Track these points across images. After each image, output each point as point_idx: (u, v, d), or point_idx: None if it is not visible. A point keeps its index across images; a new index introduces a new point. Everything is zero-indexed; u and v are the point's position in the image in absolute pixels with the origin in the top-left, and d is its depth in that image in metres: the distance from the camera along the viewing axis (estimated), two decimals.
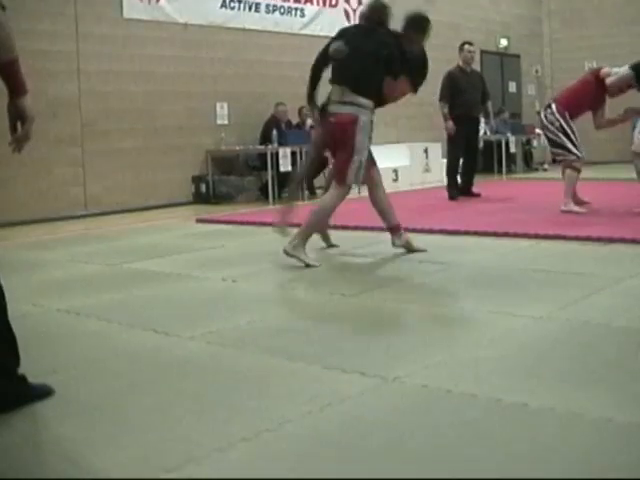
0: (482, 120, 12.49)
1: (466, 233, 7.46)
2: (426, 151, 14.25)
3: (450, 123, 11.12)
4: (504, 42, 18.99)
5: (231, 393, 3.28)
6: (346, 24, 14.89)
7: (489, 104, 12.04)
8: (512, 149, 15.93)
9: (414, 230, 7.66)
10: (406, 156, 13.83)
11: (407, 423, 2.88)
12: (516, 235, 7.24)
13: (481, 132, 15.99)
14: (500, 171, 15.86)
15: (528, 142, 17.47)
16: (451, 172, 11.32)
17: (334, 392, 3.20)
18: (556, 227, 7.53)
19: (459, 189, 11.18)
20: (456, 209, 9.89)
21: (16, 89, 3.15)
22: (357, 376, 3.40)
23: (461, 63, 11.58)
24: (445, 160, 13.92)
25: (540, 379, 3.31)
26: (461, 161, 11.44)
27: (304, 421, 2.91)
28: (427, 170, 14.15)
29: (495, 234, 7.37)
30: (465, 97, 11.22)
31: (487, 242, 7.07)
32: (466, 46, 11.61)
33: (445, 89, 11.31)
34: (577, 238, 6.86)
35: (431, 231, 7.73)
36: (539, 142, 17.43)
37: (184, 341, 4.11)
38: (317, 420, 2.92)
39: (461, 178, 11.39)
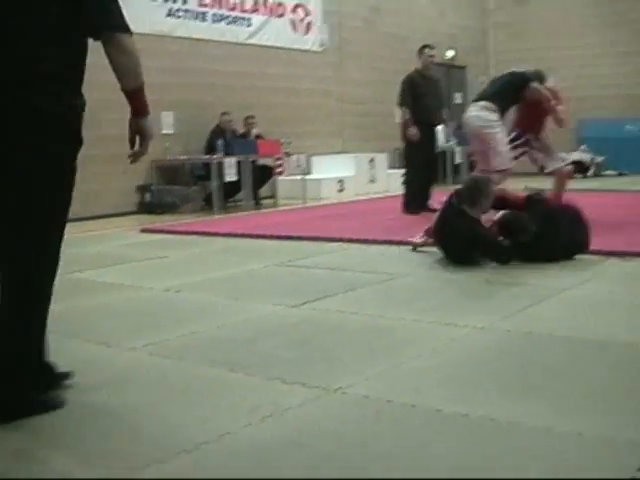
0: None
1: (399, 243, 7.48)
2: (372, 161, 14.29)
3: (414, 129, 10.42)
4: (450, 53, 19.13)
5: (171, 405, 3.26)
6: (293, 35, 14.99)
7: (444, 111, 11.51)
8: (457, 160, 15.99)
9: (366, 241, 7.71)
10: (352, 166, 13.86)
11: (348, 434, 2.88)
12: None
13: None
14: (445, 182, 15.94)
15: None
16: (410, 183, 10.69)
17: (275, 403, 3.20)
18: None
19: (416, 202, 10.37)
20: (405, 219, 9.87)
21: (139, 110, 3.38)
22: (298, 387, 3.40)
23: (420, 67, 10.97)
24: (393, 170, 13.96)
25: (481, 389, 3.33)
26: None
27: (244, 433, 2.90)
28: (372, 181, 14.18)
29: None
30: (425, 102, 10.63)
31: (433, 252, 7.07)
32: (426, 49, 10.99)
33: (406, 94, 10.71)
34: None
35: (375, 241, 7.74)
36: None
37: (126, 352, 4.08)
38: (257, 432, 2.91)
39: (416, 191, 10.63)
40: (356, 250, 7.39)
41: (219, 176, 11.92)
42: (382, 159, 14.62)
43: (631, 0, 18.42)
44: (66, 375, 3.46)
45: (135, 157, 3.46)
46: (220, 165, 11.86)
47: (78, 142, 3.16)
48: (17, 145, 3.02)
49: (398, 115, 11.08)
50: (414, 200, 10.40)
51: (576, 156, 16.62)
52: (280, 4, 14.83)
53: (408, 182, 10.74)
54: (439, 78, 11.70)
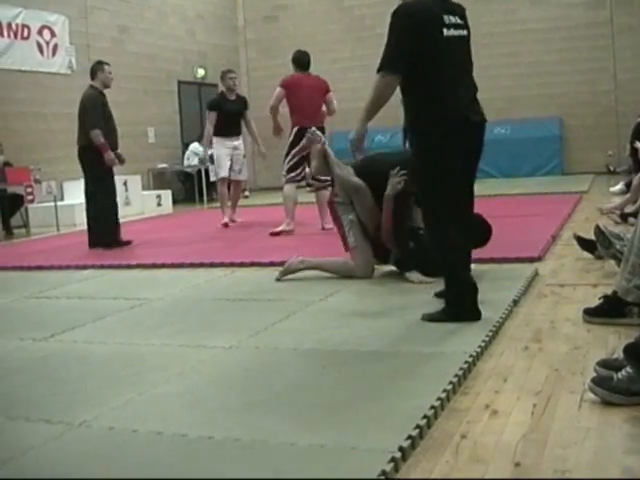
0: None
1: (163, 266, 7.46)
2: (125, 184, 14.10)
3: (112, 154, 9.60)
4: (201, 72, 19.19)
5: None
6: (39, 57, 14.60)
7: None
8: (212, 178, 16.06)
9: (119, 266, 7.64)
10: None
11: (94, 469, 2.84)
12: (212, 265, 7.34)
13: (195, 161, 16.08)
14: (202, 201, 16.00)
15: None
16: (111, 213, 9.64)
17: (16, 443, 3.11)
18: (252, 254, 7.70)
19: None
20: (146, 242, 9.84)
21: None
22: (42, 424, 3.32)
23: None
24: (147, 192, 13.94)
25: (227, 410, 3.37)
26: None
27: None
28: (127, 203, 13.99)
29: (191, 265, 7.46)
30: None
31: (183, 274, 7.11)
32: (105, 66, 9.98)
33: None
34: (272, 264, 7.01)
35: (129, 266, 7.69)
36: None
37: None
38: None
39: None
40: (110, 276, 7.30)
41: None
42: (136, 181, 14.51)
43: (378, 15, 19.10)
44: None
45: None
46: None
47: None
48: None
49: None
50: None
51: None
52: (25, 26, 14.42)
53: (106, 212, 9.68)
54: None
